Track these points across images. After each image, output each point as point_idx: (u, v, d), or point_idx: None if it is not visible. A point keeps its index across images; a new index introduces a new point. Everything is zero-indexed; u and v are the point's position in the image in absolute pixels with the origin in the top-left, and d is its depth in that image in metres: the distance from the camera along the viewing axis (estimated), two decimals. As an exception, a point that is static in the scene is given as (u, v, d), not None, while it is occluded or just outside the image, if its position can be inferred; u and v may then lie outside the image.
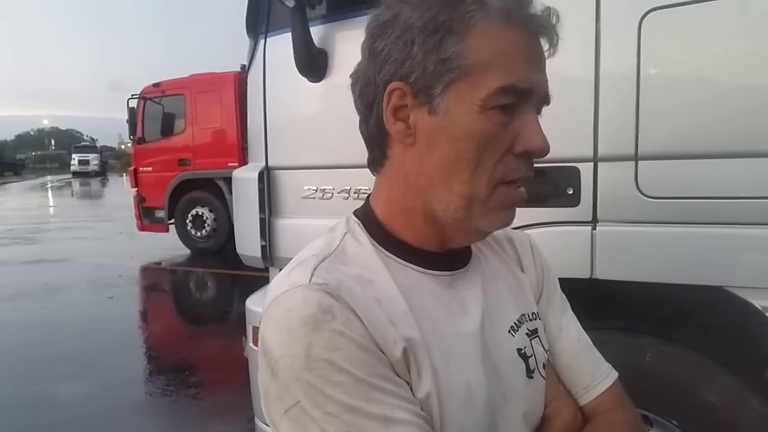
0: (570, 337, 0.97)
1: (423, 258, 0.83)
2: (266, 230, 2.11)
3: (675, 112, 1.47)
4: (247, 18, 2.10)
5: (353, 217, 0.88)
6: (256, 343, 2.21)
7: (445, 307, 0.81)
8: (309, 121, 2.05)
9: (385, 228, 0.84)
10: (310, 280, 0.73)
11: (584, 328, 1.68)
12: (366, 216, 0.87)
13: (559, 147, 1.56)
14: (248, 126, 2.24)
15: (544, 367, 0.91)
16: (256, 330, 2.20)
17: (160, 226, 10.66)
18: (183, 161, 10.17)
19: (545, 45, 0.76)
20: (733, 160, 1.41)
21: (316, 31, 1.86)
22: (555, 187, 1.60)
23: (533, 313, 0.94)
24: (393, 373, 0.72)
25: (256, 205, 2.10)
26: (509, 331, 0.87)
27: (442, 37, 0.73)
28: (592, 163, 1.56)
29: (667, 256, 1.52)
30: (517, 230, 1.03)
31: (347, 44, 1.87)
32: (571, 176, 1.58)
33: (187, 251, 10.49)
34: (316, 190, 1.99)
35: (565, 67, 1.57)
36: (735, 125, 1.41)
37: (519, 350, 0.87)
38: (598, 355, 0.98)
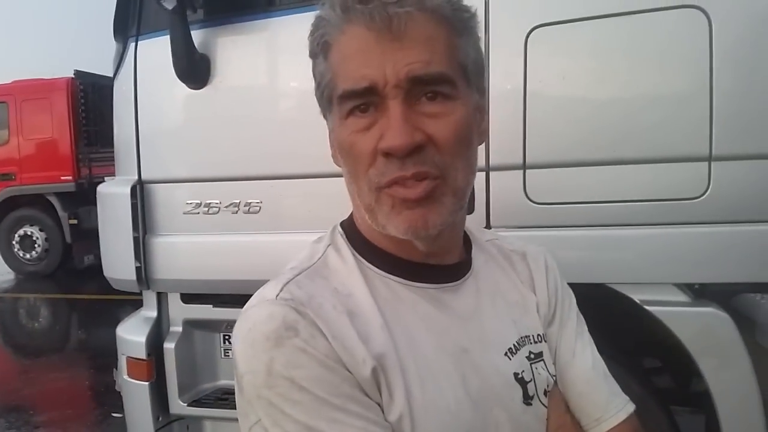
0: (584, 363, 0.90)
1: (406, 269, 0.80)
2: (141, 250, 1.94)
3: (558, 124, 1.57)
4: (114, 20, 1.92)
5: (338, 227, 0.86)
6: (131, 374, 2.02)
7: (426, 321, 0.77)
8: (189, 131, 1.92)
9: (365, 238, 0.82)
10: (277, 295, 0.71)
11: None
12: (350, 227, 0.85)
13: (454, 157, 1.65)
14: (115, 137, 2.04)
15: (545, 394, 0.85)
16: (131, 361, 2.00)
17: (-20, 249, 9.44)
18: (7, 176, 9.13)
19: (399, 24, 0.68)
20: (611, 167, 1.54)
21: (196, 35, 1.75)
22: (450, 195, 1.64)
23: (538, 335, 0.88)
24: (361, 393, 0.69)
25: (128, 222, 1.92)
26: (506, 354, 0.82)
27: (313, 63, 0.78)
28: (484, 173, 1.63)
29: (554, 258, 1.61)
30: (534, 246, 1.00)
31: (232, 50, 1.79)
32: (466, 185, 1.63)
33: (13, 275, 9.41)
34: (200, 204, 1.87)
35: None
36: (612, 135, 1.54)
37: (516, 374, 0.81)
38: (614, 384, 0.92)
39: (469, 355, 0.78)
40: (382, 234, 0.77)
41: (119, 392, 2.14)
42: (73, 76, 8.84)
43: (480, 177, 1.63)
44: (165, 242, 1.95)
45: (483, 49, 1.51)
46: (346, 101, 0.72)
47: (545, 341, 0.90)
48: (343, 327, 0.70)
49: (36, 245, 9.23)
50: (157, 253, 1.95)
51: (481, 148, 1.57)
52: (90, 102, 8.68)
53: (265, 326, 0.69)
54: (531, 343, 0.87)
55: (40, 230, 9.24)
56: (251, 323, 0.71)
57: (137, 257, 1.94)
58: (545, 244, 1.55)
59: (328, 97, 0.76)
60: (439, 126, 0.71)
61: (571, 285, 1.56)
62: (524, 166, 1.59)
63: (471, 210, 1.63)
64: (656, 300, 1.54)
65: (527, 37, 1.55)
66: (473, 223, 1.59)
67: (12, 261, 9.40)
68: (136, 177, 1.94)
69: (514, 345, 0.84)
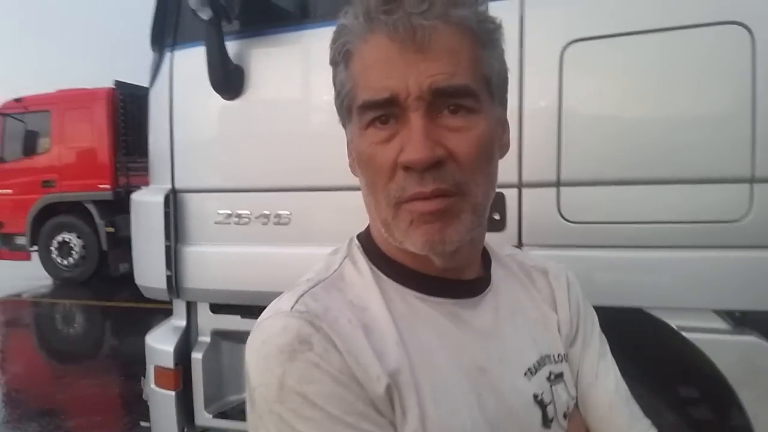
0: (607, 386, 0.89)
1: (423, 283, 0.77)
2: (172, 259, 1.96)
3: (594, 141, 1.54)
4: (152, 30, 1.95)
5: (355, 239, 0.85)
6: (158, 383, 2.02)
7: (442, 338, 0.75)
8: (222, 141, 1.94)
9: (382, 251, 0.80)
10: (292, 307, 0.70)
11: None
12: (366, 239, 0.83)
13: (486, 172, 1.63)
14: (150, 145, 2.07)
15: (565, 417, 0.83)
16: (158, 370, 2.01)
17: (21, 254, 9.75)
18: (48, 183, 9.38)
19: (423, 36, 0.67)
20: (648, 186, 1.49)
21: (231, 47, 1.77)
22: (482, 212, 1.61)
23: (559, 354, 0.86)
24: (374, 412, 0.67)
25: (160, 231, 1.94)
26: (525, 374, 0.80)
27: (334, 71, 0.77)
28: (516, 189, 1.60)
29: (588, 279, 1.56)
30: (554, 262, 0.97)
31: (266, 61, 1.80)
32: (497, 202, 1.60)
33: (51, 281, 9.63)
34: (231, 215, 1.88)
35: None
36: (650, 153, 1.49)
37: (535, 396, 0.79)
38: (636, 409, 0.90)
39: (486, 375, 0.75)
40: (399, 247, 0.75)
41: (146, 401, 2.15)
42: (113, 86, 9.09)
43: (512, 194, 1.60)
44: (196, 252, 1.96)
45: (518, 63, 1.53)
46: (367, 112, 0.71)
47: (566, 361, 0.87)
48: (358, 342, 0.69)
49: (73, 252, 9.46)
50: (188, 262, 1.96)
51: (512, 163, 1.57)
52: (129, 112, 8.89)
53: (279, 339, 0.67)
54: (552, 363, 0.84)
55: (78, 237, 9.46)
56: (265, 335, 0.69)
57: (168, 266, 1.95)
58: (579, 265, 1.53)
59: (347, 106, 0.75)
60: (460, 141, 0.69)
61: (606, 308, 1.53)
62: (558, 184, 1.56)
63: (503, 227, 1.61)
64: (694, 326, 1.48)
65: (563, 52, 1.52)
66: (505, 240, 1.60)
67: (50, 266, 9.63)
68: (170, 186, 1.96)
69: (534, 365, 0.82)
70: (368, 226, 0.84)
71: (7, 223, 9.62)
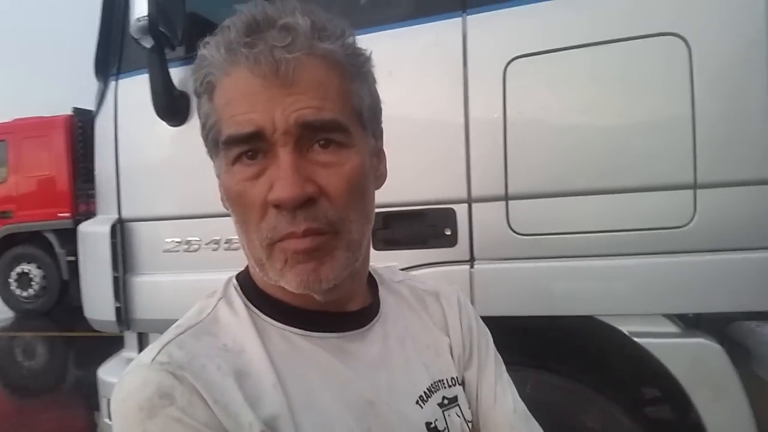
0: (506, 407, 0.87)
1: (304, 319, 0.74)
2: (120, 290, 1.91)
3: (539, 154, 1.55)
4: (96, 59, 1.92)
5: (233, 279, 0.80)
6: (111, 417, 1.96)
7: (327, 375, 0.72)
8: (169, 168, 1.90)
9: (260, 289, 0.77)
10: (153, 359, 0.65)
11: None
12: (245, 277, 0.80)
13: (436, 189, 1.63)
14: (96, 175, 2.03)
15: None
16: (109, 404, 1.95)
17: (-22, 287, 9.39)
18: (5, 214, 9.10)
19: (286, 70, 0.65)
20: (594, 196, 1.51)
21: (176, 73, 1.74)
22: (433, 228, 1.62)
23: (452, 378, 0.85)
24: None
25: (108, 262, 1.89)
26: (417, 402, 0.78)
27: (198, 102, 0.73)
28: (466, 204, 1.60)
29: (540, 290, 1.58)
30: (445, 284, 0.97)
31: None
32: (448, 217, 1.61)
33: (11, 314, 9.32)
34: (180, 242, 1.84)
35: (437, 112, 1.63)
36: (595, 165, 1.51)
37: (428, 424, 0.77)
38: (536, 427, 0.90)
39: (375, 407, 0.72)
40: (272, 284, 0.73)
41: (102, 436, 2.09)
42: (71, 113, 8.91)
43: (462, 209, 1.60)
44: (146, 281, 1.91)
45: (462, 80, 1.54)
46: (232, 147, 0.67)
47: (460, 385, 0.86)
48: (228, 389, 0.64)
49: (33, 283, 9.17)
50: (138, 293, 1.92)
51: (461, 178, 1.58)
52: (88, 139, 8.68)
53: (138, 395, 0.62)
54: (444, 388, 0.82)
55: (38, 267, 9.17)
56: (125, 392, 0.64)
57: (117, 297, 1.90)
58: (530, 276, 1.57)
59: (213, 140, 0.71)
60: (331, 177, 0.67)
61: (560, 319, 1.55)
62: (506, 197, 1.57)
63: (454, 243, 1.61)
64: (645, 332, 1.50)
65: (506, 67, 1.54)
66: (458, 255, 1.60)
67: (9, 299, 9.32)
68: (116, 215, 1.92)
69: (425, 391, 0.80)
70: (247, 265, 0.80)
71: (-37, 256, 9.31)
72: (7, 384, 6.52)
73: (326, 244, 0.67)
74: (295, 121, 0.65)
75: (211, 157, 0.75)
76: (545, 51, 1.52)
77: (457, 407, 0.82)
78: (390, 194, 1.66)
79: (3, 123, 9.43)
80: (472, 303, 1.56)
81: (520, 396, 1.63)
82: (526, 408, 0.90)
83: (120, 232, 1.91)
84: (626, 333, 1.51)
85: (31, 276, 9.16)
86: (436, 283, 0.96)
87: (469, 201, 1.60)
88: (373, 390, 0.74)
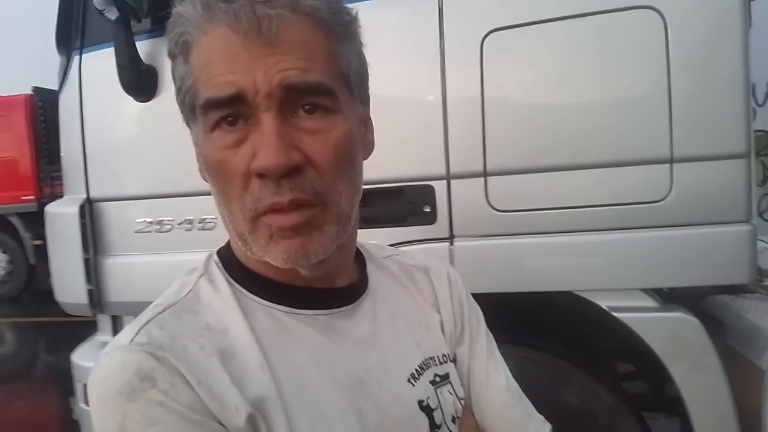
0: (499, 384, 0.86)
1: (290, 296, 0.71)
2: (92, 272, 1.85)
3: (517, 129, 1.54)
4: (57, 33, 1.84)
5: (214, 255, 0.77)
6: (87, 402, 1.92)
7: (316, 354, 0.69)
8: (138, 146, 1.85)
9: (243, 264, 0.73)
10: (132, 340, 0.62)
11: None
12: (226, 253, 0.76)
13: (414, 166, 1.61)
14: (62, 154, 1.96)
15: (454, 421, 0.79)
16: (86, 388, 1.91)
17: (-60, 274, 9.13)
18: (-35, 197, 8.83)
19: (269, 27, 0.61)
20: (572, 171, 1.51)
21: (142, 46, 1.68)
22: (413, 205, 1.60)
23: (444, 355, 0.83)
24: None
25: (78, 243, 1.84)
26: (408, 380, 0.76)
27: (173, 64, 0.68)
28: (445, 181, 1.58)
29: (519, 266, 1.58)
30: (436, 260, 0.95)
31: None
32: (427, 194, 1.59)
33: (-24, 300, 9.11)
34: (152, 222, 1.79)
35: (413, 88, 1.60)
36: (572, 140, 1.51)
37: (420, 402, 0.75)
38: (528, 405, 0.89)
39: (366, 387, 0.70)
40: (257, 259, 0.69)
41: (77, 420, 2.05)
42: (31, 92, 8.62)
43: (441, 186, 1.59)
44: (117, 263, 1.86)
45: (439, 55, 1.52)
46: (211, 111, 0.63)
47: (452, 361, 0.85)
48: (213, 370, 0.61)
49: (-1, 268, 8.97)
50: (110, 275, 1.87)
51: (439, 155, 1.56)
52: (50, 119, 8.43)
53: (117, 378, 0.59)
54: (436, 365, 0.81)
55: (3, 252, 8.95)
56: (102, 375, 0.61)
57: (89, 279, 1.85)
58: (509, 252, 1.56)
59: (190, 104, 0.66)
60: (318, 144, 0.63)
61: (538, 294, 1.55)
62: (485, 174, 1.55)
63: (434, 220, 1.59)
64: (623, 306, 1.51)
65: (482, 41, 1.52)
66: (437, 233, 1.58)
67: (-27, 285, 9.10)
68: (85, 195, 1.86)
69: (416, 369, 0.78)
70: (228, 240, 0.77)
71: None
72: (-25, 371, 6.38)
73: (314, 218, 0.64)
74: (278, 83, 0.60)
75: (188, 124, 0.71)
76: (521, 24, 1.50)
77: (449, 384, 0.81)
78: (368, 171, 1.65)
79: (-41, 104, 9.11)
80: (452, 280, 1.58)
81: (506, 373, 1.66)
82: (517, 385, 0.89)
83: (89, 213, 1.85)
84: (605, 308, 1.52)
85: (-5, 261, 8.94)
86: (426, 259, 0.94)
87: (448, 177, 1.58)
88: (364, 369, 0.72)
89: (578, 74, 1.51)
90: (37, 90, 8.59)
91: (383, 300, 0.81)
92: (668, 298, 1.59)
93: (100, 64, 1.75)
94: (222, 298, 0.70)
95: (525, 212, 1.56)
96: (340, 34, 0.67)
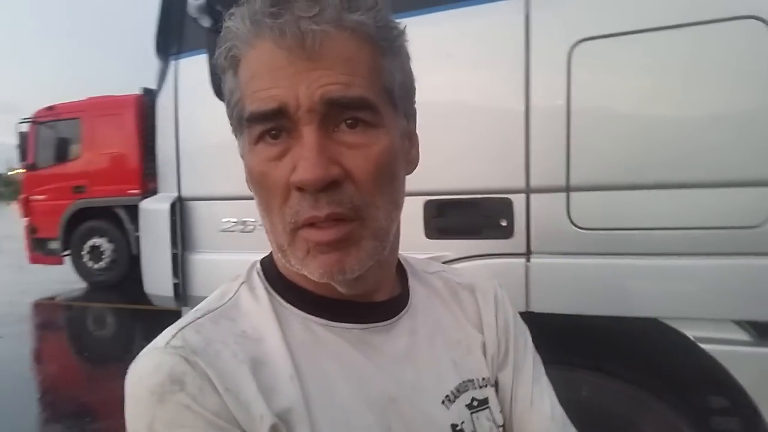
0: (542, 412, 0.82)
1: (327, 308, 0.71)
2: (179, 267, 1.94)
3: (605, 143, 1.47)
4: (156, 39, 1.94)
5: (258, 264, 0.78)
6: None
7: (347, 368, 0.68)
8: (227, 149, 1.90)
9: (283, 275, 0.74)
10: (167, 343, 0.64)
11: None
12: (269, 262, 0.77)
13: (492, 178, 1.57)
14: (158, 153, 2.07)
15: None
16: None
17: (54, 258, 9.89)
18: (79, 188, 9.53)
19: (313, 42, 0.61)
20: (662, 191, 1.42)
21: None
22: (488, 218, 1.56)
23: (483, 378, 0.80)
24: None
25: (167, 239, 1.93)
26: (443, 402, 0.73)
27: (223, 78, 0.70)
28: (524, 195, 1.54)
29: (600, 288, 1.51)
30: (483, 278, 0.92)
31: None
32: (504, 208, 1.55)
33: (83, 285, 9.80)
34: (237, 222, 1.86)
35: (496, 96, 1.56)
36: (665, 156, 1.42)
37: (454, 426, 0.73)
38: None
39: (397, 405, 0.69)
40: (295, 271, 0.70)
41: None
42: (141, 93, 9.21)
43: (520, 199, 1.54)
44: (203, 259, 1.94)
45: (524, 64, 1.48)
46: (255, 125, 0.64)
47: (492, 386, 0.81)
48: (241, 378, 0.62)
49: (104, 256, 9.58)
50: (195, 270, 1.95)
51: (519, 167, 1.51)
52: (158, 118, 8.95)
53: (150, 379, 0.61)
54: (475, 388, 0.78)
55: (109, 241, 9.56)
56: (137, 376, 0.63)
57: (175, 273, 1.94)
58: (590, 273, 1.49)
59: (237, 117, 0.67)
60: (358, 159, 0.63)
61: (620, 320, 1.47)
62: (568, 189, 1.49)
63: (510, 234, 1.55)
64: (712, 338, 1.40)
65: (571, 51, 1.46)
66: (514, 247, 1.54)
67: (81, 270, 9.78)
68: (176, 194, 1.95)
69: (453, 391, 0.75)
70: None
71: (41, 228, 9.80)
72: (78, 351, 6.87)
73: (352, 233, 0.64)
74: (320, 98, 0.61)
75: (236, 136, 0.72)
76: (614, 34, 1.43)
77: (488, 410, 0.78)
78: (444, 182, 1.64)
79: (77, 101, 9.87)
80: (527, 298, 1.52)
81: (575, 399, 1.58)
82: (564, 414, 0.85)
83: (179, 210, 1.94)
84: (692, 338, 1.42)
85: (102, 249, 9.57)
86: (473, 276, 0.91)
87: (528, 191, 1.53)
88: (397, 387, 0.70)
89: (673, 87, 1.42)
90: (146, 90, 9.15)
91: (424, 317, 0.79)
92: (764, 332, 1.46)
93: (194, 70, 1.83)
94: (260, 306, 0.71)
95: (609, 231, 1.48)
96: (385, 48, 0.67)
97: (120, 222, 9.39)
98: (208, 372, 0.61)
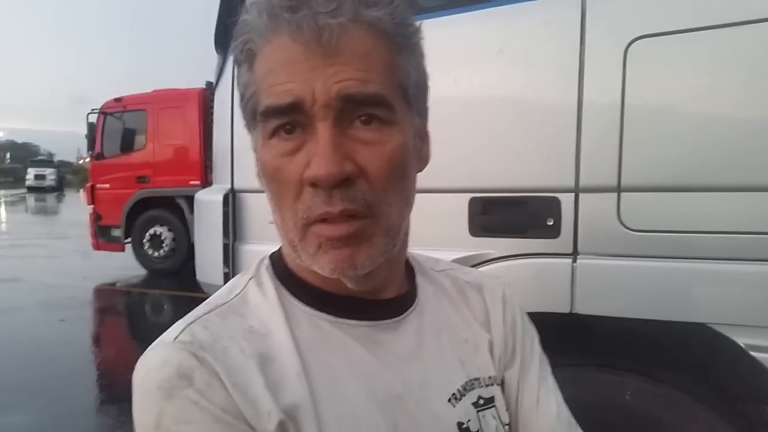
0: (549, 413, 0.82)
1: (335, 304, 0.71)
2: (230, 256, 2.00)
3: (659, 143, 1.43)
4: (216, 33, 2.00)
5: (266, 259, 0.78)
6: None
7: (355, 365, 0.68)
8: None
9: (291, 270, 0.74)
10: (176, 338, 0.63)
11: (563, 366, 1.63)
12: (278, 258, 0.77)
13: (539, 176, 1.56)
14: (214, 146, 2.14)
15: None
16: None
17: (116, 245, 10.32)
18: (142, 178, 9.90)
19: (330, 37, 0.60)
20: (716, 193, 1.38)
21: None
22: (535, 217, 1.55)
23: (490, 377, 0.80)
24: None
25: (219, 229, 1.99)
26: (450, 400, 0.73)
27: (237, 71, 0.70)
28: (573, 194, 1.51)
29: (648, 291, 1.47)
30: (491, 276, 0.92)
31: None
32: (552, 207, 1.53)
33: (143, 272, 10.16)
34: (285, 215, 1.90)
35: (548, 93, 1.54)
36: (720, 158, 1.38)
37: (460, 424, 0.72)
38: None
39: (403, 402, 0.69)
40: (304, 266, 0.70)
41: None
42: (204, 87, 9.48)
43: (568, 198, 1.52)
44: (253, 250, 1.99)
45: (578, 60, 1.46)
46: (270, 119, 0.64)
47: (499, 384, 0.80)
48: (249, 374, 0.62)
49: (164, 244, 9.92)
50: (246, 261, 2.00)
51: (569, 166, 1.49)
52: (219, 112, 9.17)
53: (158, 374, 0.61)
54: (481, 387, 0.77)
55: (169, 230, 9.90)
56: (145, 370, 0.63)
57: (226, 263, 2.00)
58: (639, 276, 1.46)
59: (251, 111, 0.68)
60: (372, 156, 0.63)
61: (668, 324, 1.43)
62: (619, 189, 1.46)
63: (557, 234, 1.53)
64: (764, 346, 1.35)
65: (627, 49, 1.43)
66: (560, 248, 1.52)
67: (142, 258, 10.15)
68: (229, 186, 2.01)
69: (459, 389, 0.75)
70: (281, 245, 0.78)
71: (105, 216, 10.21)
72: (135, 336, 7.15)
73: (364, 229, 0.64)
74: (336, 93, 0.61)
75: (249, 130, 0.72)
76: (672, 32, 1.39)
77: (494, 409, 0.77)
78: (491, 179, 1.63)
79: (143, 93, 10.25)
80: (572, 299, 1.50)
81: (619, 403, 1.54)
82: (570, 414, 0.84)
83: (232, 202, 2.00)
84: (742, 345, 1.37)
85: (162, 238, 9.91)
86: (481, 275, 0.91)
87: (576, 190, 1.51)
88: (403, 384, 0.70)
89: (731, 86, 1.37)
90: (210, 84, 9.42)
91: (431, 315, 0.79)
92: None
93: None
94: (268, 302, 0.71)
95: (661, 233, 1.44)
96: (401, 45, 0.66)
97: (181, 212, 9.70)
98: (216, 368, 0.61)
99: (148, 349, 0.65)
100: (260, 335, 0.67)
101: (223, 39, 2.01)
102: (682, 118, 1.42)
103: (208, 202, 2.06)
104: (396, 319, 0.75)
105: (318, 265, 0.65)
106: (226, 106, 2.02)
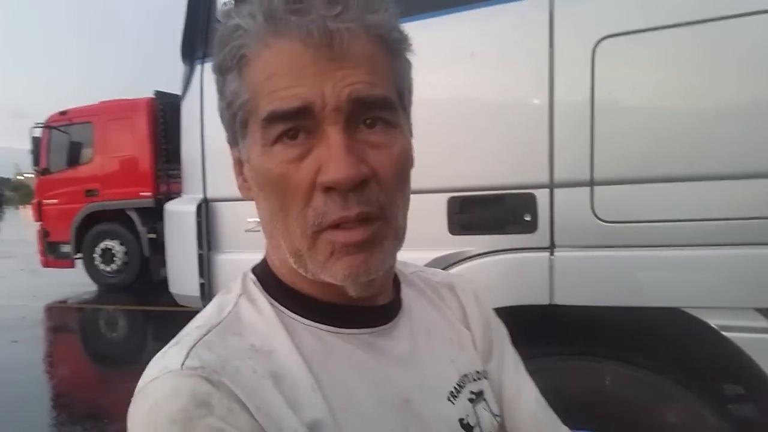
0: (529, 399, 0.86)
1: (332, 314, 0.69)
2: (205, 267, 1.98)
3: (629, 137, 1.50)
4: (182, 43, 1.98)
5: (250, 274, 0.75)
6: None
7: (362, 374, 0.68)
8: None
9: (283, 283, 0.71)
10: (183, 364, 0.58)
11: (544, 355, 1.68)
12: (263, 272, 0.74)
13: (515, 173, 1.60)
14: (182, 156, 2.10)
15: None
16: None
17: (66, 262, 10.01)
18: (91, 192, 9.63)
19: (340, 41, 0.60)
20: (685, 183, 1.45)
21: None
22: (512, 213, 1.59)
23: (477, 372, 0.81)
24: None
25: (193, 240, 1.96)
26: (449, 398, 0.74)
27: (221, 79, 0.67)
28: (548, 190, 1.57)
29: (623, 280, 1.54)
30: (458, 275, 0.95)
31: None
32: (528, 203, 1.58)
33: (95, 288, 9.90)
34: (260, 222, 1.89)
35: (520, 93, 1.59)
36: (688, 149, 1.45)
37: (461, 420, 0.73)
38: (555, 417, 0.87)
39: (411, 406, 0.69)
40: (303, 277, 0.67)
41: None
42: (153, 96, 9.28)
43: (544, 194, 1.57)
44: (228, 259, 1.98)
45: (548, 60, 1.51)
46: (274, 124, 0.61)
47: (486, 378, 0.83)
48: (267, 394, 0.59)
49: (116, 258, 9.66)
50: (221, 270, 1.98)
51: (543, 162, 1.55)
52: (169, 121, 9.02)
53: (170, 405, 0.55)
54: (471, 382, 0.79)
55: (121, 244, 9.66)
56: (152, 401, 0.56)
57: (201, 274, 1.98)
58: (614, 265, 1.52)
59: (242, 120, 0.65)
60: (382, 158, 0.63)
61: (643, 310, 1.50)
62: (592, 183, 1.52)
63: (534, 229, 1.58)
64: (735, 326, 1.43)
65: (594, 47, 1.49)
66: (537, 242, 1.57)
67: (93, 273, 9.87)
68: (202, 195, 1.99)
69: (455, 386, 0.76)
70: (264, 258, 0.76)
71: (53, 232, 9.89)
72: (91, 353, 6.94)
73: (377, 233, 0.63)
74: (347, 97, 0.60)
75: (235, 140, 0.70)
76: (636, 30, 1.46)
77: (484, 402, 0.80)
78: (468, 178, 1.67)
79: (89, 105, 9.97)
80: (551, 291, 1.55)
81: (599, 388, 1.60)
82: (544, 399, 0.89)
83: (205, 212, 1.97)
84: (714, 326, 1.45)
85: (113, 252, 9.66)
86: (449, 275, 0.93)
87: (551, 186, 1.56)
88: (407, 387, 0.70)
89: (698, 80, 1.45)
90: (158, 94, 9.24)
91: (418, 317, 0.80)
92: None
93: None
94: (264, 318, 0.68)
95: (633, 224, 1.51)
96: (396, 50, 0.67)
97: (132, 224, 9.47)
98: (235, 391, 0.57)
99: (147, 379, 0.59)
100: (264, 353, 0.64)
101: (189, 49, 1.99)
102: (650, 112, 1.49)
103: (181, 212, 2.03)
104: (389, 324, 0.74)
105: (329, 273, 0.63)
106: (194, 116, 1.99)
